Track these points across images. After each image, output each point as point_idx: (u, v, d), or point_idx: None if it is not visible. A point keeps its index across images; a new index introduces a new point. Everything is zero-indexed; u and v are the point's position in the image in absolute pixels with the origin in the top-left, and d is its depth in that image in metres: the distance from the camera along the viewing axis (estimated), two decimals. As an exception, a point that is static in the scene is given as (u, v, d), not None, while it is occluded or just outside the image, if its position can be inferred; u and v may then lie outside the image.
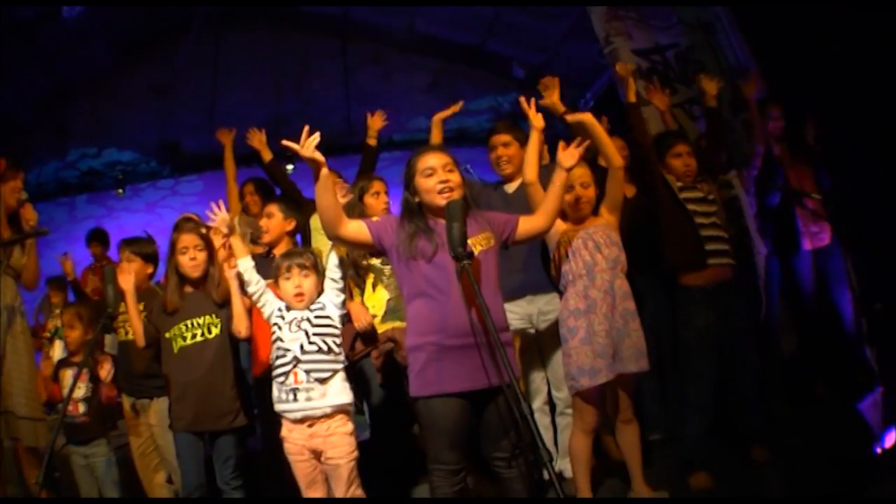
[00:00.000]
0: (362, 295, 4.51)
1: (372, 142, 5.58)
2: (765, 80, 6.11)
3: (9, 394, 4.32)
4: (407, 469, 4.62)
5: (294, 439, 3.57)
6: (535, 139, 3.81)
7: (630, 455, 4.07)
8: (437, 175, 3.26)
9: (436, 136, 4.88)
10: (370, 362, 4.48)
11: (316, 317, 3.62)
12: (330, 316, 3.65)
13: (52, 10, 7.69)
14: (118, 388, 4.62)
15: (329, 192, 3.14)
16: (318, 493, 3.63)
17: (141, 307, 4.30)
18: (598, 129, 3.98)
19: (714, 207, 4.49)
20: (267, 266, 4.07)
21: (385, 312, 4.44)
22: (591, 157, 4.37)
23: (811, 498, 3.71)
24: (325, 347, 3.57)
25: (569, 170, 3.48)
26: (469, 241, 3.11)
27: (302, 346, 3.55)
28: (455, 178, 3.28)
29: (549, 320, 4.31)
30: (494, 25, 9.96)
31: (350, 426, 3.61)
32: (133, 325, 4.17)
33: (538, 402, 4.52)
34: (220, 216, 3.96)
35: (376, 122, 5.55)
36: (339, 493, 3.56)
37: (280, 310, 3.68)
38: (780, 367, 5.17)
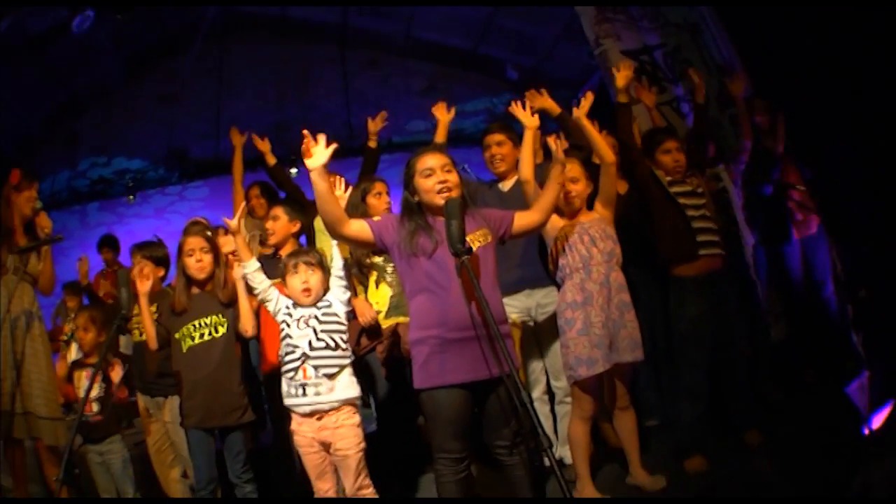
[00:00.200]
0: (366, 292, 4.52)
1: (373, 144, 5.58)
2: (749, 76, 6.13)
3: (29, 395, 4.34)
4: (412, 459, 4.63)
5: (303, 432, 3.59)
6: (529, 138, 3.83)
7: (627, 441, 4.09)
8: (435, 175, 3.27)
9: (440, 135, 4.88)
10: (375, 356, 4.49)
11: (323, 314, 3.64)
12: (336, 313, 3.67)
13: (62, 26, 7.69)
14: (132, 388, 4.64)
15: (327, 194, 3.14)
16: (327, 483, 3.65)
17: (154, 309, 4.32)
18: (590, 126, 4.01)
19: (703, 200, 4.49)
20: (273, 266, 4.09)
21: (388, 308, 4.46)
22: (586, 156, 4.39)
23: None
24: (332, 344, 3.58)
25: (562, 165, 3.48)
26: (468, 238, 3.12)
27: (310, 343, 3.57)
28: (453, 177, 3.29)
29: (547, 313, 4.33)
30: (487, 30, 9.99)
31: (357, 418, 3.63)
32: (146, 328, 4.18)
33: (537, 392, 4.54)
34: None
35: (376, 124, 5.55)
36: (347, 483, 3.58)
37: (287, 307, 3.69)
38: (769, 354, 5.17)
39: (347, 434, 3.56)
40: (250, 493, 4.10)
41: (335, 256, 3.68)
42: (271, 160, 5.69)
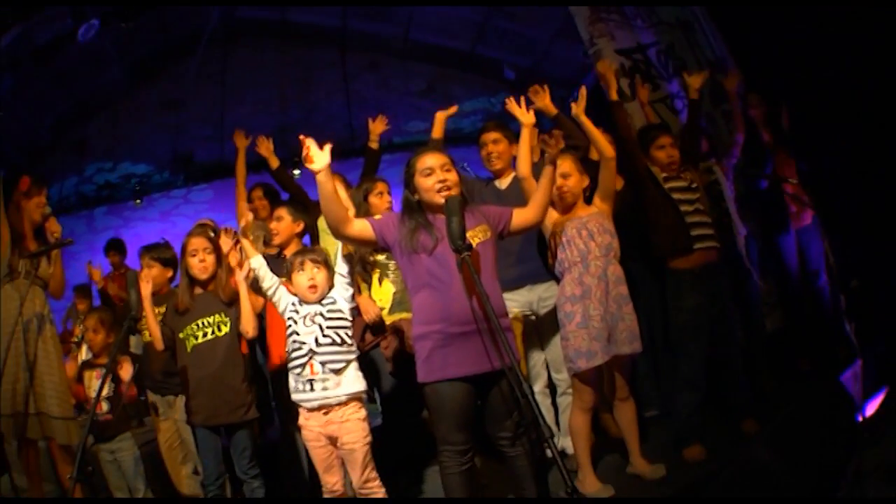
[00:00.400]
0: (370, 289, 4.54)
1: (374, 145, 5.59)
2: (741, 71, 6.14)
3: (41, 396, 4.35)
4: (417, 453, 4.64)
5: (311, 427, 3.61)
6: (525, 135, 3.83)
7: (628, 431, 4.11)
8: (435, 174, 3.29)
9: (437, 132, 4.87)
10: (380, 352, 4.50)
11: (328, 311, 3.65)
12: (341, 309, 3.69)
13: (68, 35, 7.72)
14: (141, 387, 4.65)
15: (332, 194, 3.16)
16: (334, 477, 3.66)
17: (163, 310, 4.33)
18: (589, 122, 4.02)
19: (698, 194, 4.50)
20: (278, 266, 4.10)
21: (392, 305, 4.48)
22: (582, 155, 4.40)
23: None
24: (338, 340, 3.60)
25: (555, 162, 3.49)
26: (468, 234, 3.14)
27: (317, 339, 3.58)
28: (452, 176, 3.31)
29: (548, 306, 4.33)
30: (484, 31, 10.01)
31: (363, 412, 3.64)
32: (151, 329, 4.20)
33: (539, 385, 4.54)
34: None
35: (378, 126, 5.55)
36: (354, 476, 3.60)
37: (294, 304, 3.71)
38: (763, 344, 5.19)
39: (354, 428, 3.57)
40: (257, 488, 4.11)
41: (339, 255, 3.70)
42: (274, 162, 5.70)
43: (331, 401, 3.55)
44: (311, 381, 3.55)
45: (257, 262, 3.85)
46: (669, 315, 4.51)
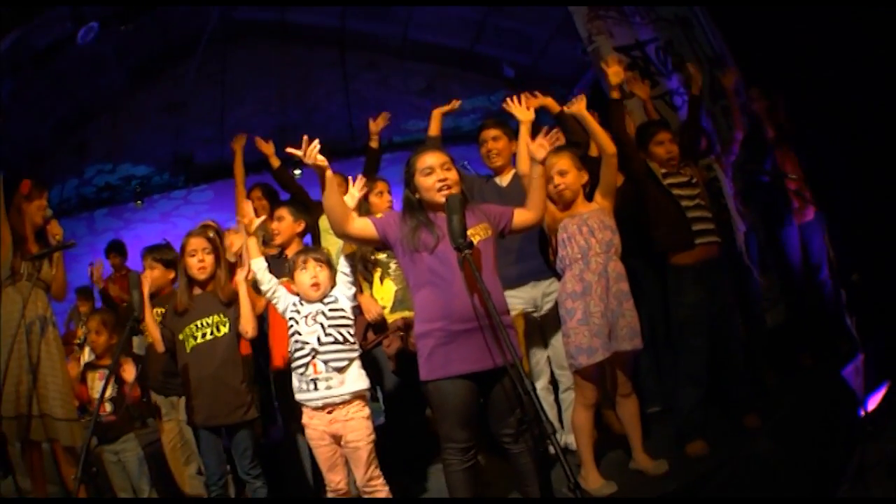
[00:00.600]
0: (371, 288, 4.55)
1: (374, 144, 5.60)
2: (740, 67, 6.15)
3: (45, 398, 4.36)
4: (420, 451, 4.65)
5: (315, 426, 3.62)
6: (524, 133, 3.81)
7: (630, 427, 4.11)
8: (435, 174, 3.30)
9: (434, 129, 4.88)
10: (382, 350, 4.51)
11: (330, 310, 3.66)
12: (343, 308, 3.69)
13: (67, 39, 7.73)
14: (145, 388, 4.66)
15: (334, 193, 3.18)
16: (338, 475, 3.67)
17: (162, 311, 4.34)
18: (590, 119, 4.02)
19: (697, 190, 4.51)
20: (280, 266, 4.11)
21: (394, 303, 4.49)
22: (583, 152, 4.40)
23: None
24: (340, 338, 3.61)
25: (542, 161, 3.48)
26: (468, 232, 3.15)
27: (319, 339, 3.59)
28: (452, 175, 3.32)
29: (551, 303, 4.34)
30: (483, 29, 10.01)
31: (367, 411, 3.65)
32: (150, 331, 4.21)
33: (542, 382, 4.54)
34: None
35: (378, 124, 5.57)
36: (358, 474, 3.61)
37: (295, 304, 3.71)
38: (765, 339, 5.20)
39: (358, 426, 3.58)
40: (260, 488, 4.11)
41: (340, 253, 3.71)
42: (275, 162, 5.71)
43: (335, 399, 3.56)
44: (314, 380, 3.56)
45: (258, 265, 3.85)
46: (671, 310, 4.51)
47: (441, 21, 10.00)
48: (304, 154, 3.12)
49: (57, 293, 4.69)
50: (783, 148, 5.64)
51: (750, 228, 5.36)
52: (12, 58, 7.28)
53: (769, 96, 5.73)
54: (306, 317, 3.65)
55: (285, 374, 3.97)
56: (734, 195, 5.29)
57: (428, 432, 4.52)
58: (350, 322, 3.70)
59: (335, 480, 3.67)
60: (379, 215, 3.77)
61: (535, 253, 4.40)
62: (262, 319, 4.53)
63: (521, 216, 3.49)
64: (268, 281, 3.81)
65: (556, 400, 4.62)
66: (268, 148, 5.70)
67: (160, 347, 4.21)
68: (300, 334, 3.63)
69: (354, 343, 3.68)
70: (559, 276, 4.09)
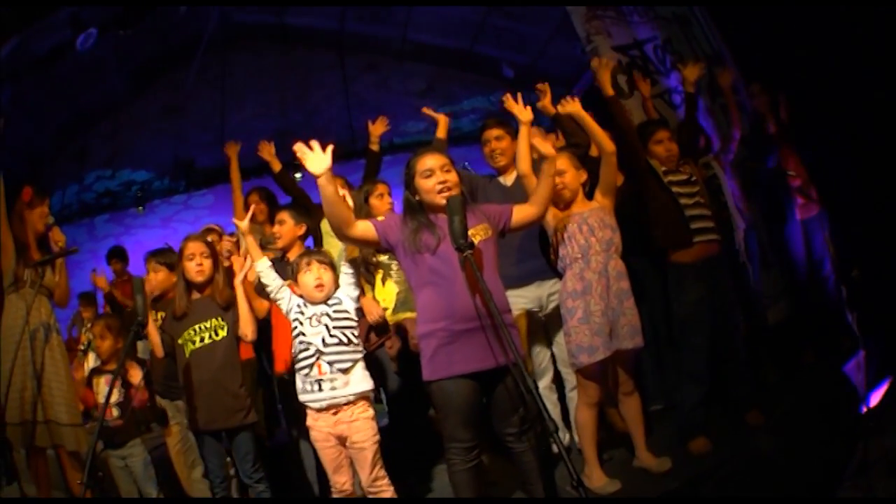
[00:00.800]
0: (373, 290, 4.57)
1: (375, 147, 5.62)
2: (739, 65, 6.17)
3: (50, 404, 4.39)
4: (425, 451, 4.68)
5: (319, 427, 3.65)
6: (524, 133, 3.82)
7: (633, 425, 4.15)
8: (435, 176, 3.33)
9: (441, 132, 4.95)
10: (385, 352, 4.54)
11: (334, 311, 3.69)
12: (347, 309, 3.73)
13: (66, 45, 7.76)
14: (152, 392, 4.69)
15: (336, 196, 3.20)
16: (343, 476, 3.70)
17: (163, 314, 4.38)
18: (588, 118, 4.04)
19: (697, 188, 4.54)
20: (282, 269, 4.14)
21: (396, 304, 4.52)
22: (583, 153, 4.43)
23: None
24: (345, 339, 3.64)
25: (553, 157, 3.50)
26: (469, 233, 3.17)
27: (324, 340, 3.62)
28: (452, 177, 3.34)
29: (555, 301, 4.36)
30: (482, 30, 10.03)
31: (371, 411, 3.68)
32: (151, 336, 4.23)
33: (546, 382, 4.56)
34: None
35: (378, 128, 5.59)
36: (363, 475, 3.64)
37: (299, 306, 3.74)
38: (765, 336, 5.21)
39: (363, 427, 3.61)
40: (263, 492, 4.12)
41: (343, 255, 3.73)
42: (276, 166, 5.73)
43: (339, 400, 3.59)
44: (319, 381, 3.59)
45: (262, 265, 3.88)
46: (672, 308, 4.54)
47: (440, 22, 10.02)
48: (311, 161, 3.13)
49: (60, 299, 4.73)
50: (785, 145, 5.66)
51: (750, 226, 5.38)
52: (12, 64, 7.31)
53: (770, 93, 5.75)
54: (311, 318, 3.68)
55: (288, 377, 3.99)
56: (735, 192, 5.31)
57: (432, 433, 4.54)
58: (354, 323, 3.73)
59: (340, 481, 3.70)
60: (380, 218, 3.79)
61: (540, 252, 4.42)
62: (266, 322, 4.56)
63: (522, 212, 3.50)
64: (274, 280, 3.84)
65: (562, 399, 4.64)
66: (269, 151, 5.72)
67: (159, 352, 4.24)
68: (304, 335, 3.66)
69: (358, 344, 3.71)
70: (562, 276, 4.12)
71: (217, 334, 4.13)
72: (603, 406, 4.42)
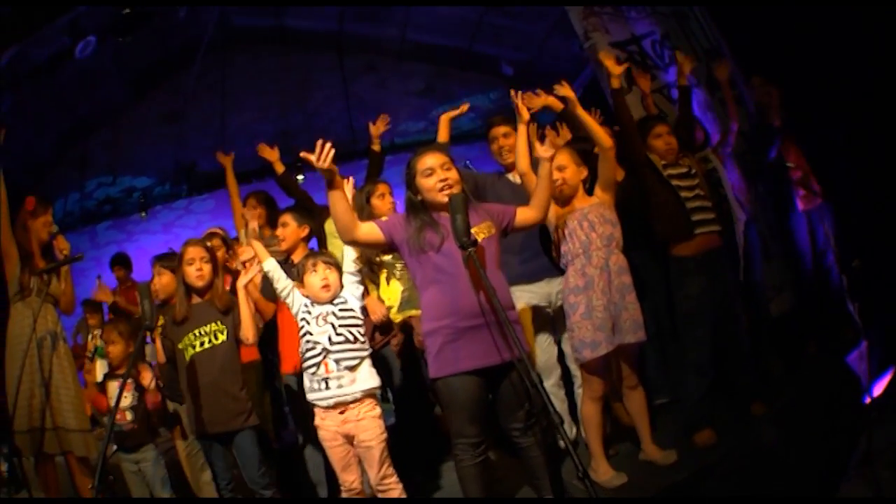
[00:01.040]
0: (378, 289, 4.61)
1: (376, 147, 5.65)
2: (740, 58, 6.20)
3: (58, 410, 4.43)
4: (432, 448, 4.71)
5: (327, 426, 3.68)
6: (522, 131, 3.85)
7: (638, 419, 4.19)
8: (436, 174, 3.38)
9: (442, 135, 4.92)
10: (391, 350, 4.58)
11: (340, 310, 3.73)
12: (352, 308, 3.76)
13: (65, 53, 7.81)
14: (163, 395, 4.72)
15: (342, 199, 3.25)
16: (352, 475, 3.73)
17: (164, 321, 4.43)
18: (585, 115, 4.07)
19: (697, 180, 4.57)
20: (287, 272, 4.17)
21: (400, 303, 4.56)
22: (589, 147, 4.45)
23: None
24: (351, 337, 3.67)
25: (550, 159, 3.55)
26: (472, 230, 3.22)
27: (330, 338, 3.65)
28: (453, 175, 3.39)
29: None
30: (480, 28, 10.06)
31: (379, 410, 3.71)
32: (153, 342, 4.26)
33: (553, 379, 4.55)
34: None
35: (378, 127, 5.61)
36: (372, 473, 3.67)
37: (306, 306, 3.77)
38: (768, 327, 5.24)
39: (370, 426, 3.64)
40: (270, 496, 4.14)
41: (346, 255, 3.78)
42: (279, 168, 5.76)
43: (346, 398, 3.62)
44: (326, 379, 3.62)
45: (270, 265, 3.93)
46: (674, 301, 4.57)
47: (438, 21, 10.06)
48: (318, 158, 3.18)
49: (66, 307, 4.77)
50: (786, 137, 5.68)
51: (751, 218, 5.41)
52: (12, 72, 7.35)
53: (771, 85, 5.78)
54: (317, 317, 3.71)
55: (296, 377, 4.01)
56: (735, 184, 5.34)
57: (438, 430, 4.58)
58: (360, 322, 3.77)
59: (349, 480, 3.73)
60: (384, 218, 3.83)
61: (542, 251, 4.46)
62: (273, 325, 4.59)
63: (524, 214, 3.56)
64: (283, 280, 3.88)
65: (570, 395, 4.65)
66: (271, 154, 5.75)
67: (160, 358, 4.28)
68: (311, 334, 3.69)
69: (365, 342, 3.75)
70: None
71: (217, 338, 4.14)
72: (608, 400, 4.46)
